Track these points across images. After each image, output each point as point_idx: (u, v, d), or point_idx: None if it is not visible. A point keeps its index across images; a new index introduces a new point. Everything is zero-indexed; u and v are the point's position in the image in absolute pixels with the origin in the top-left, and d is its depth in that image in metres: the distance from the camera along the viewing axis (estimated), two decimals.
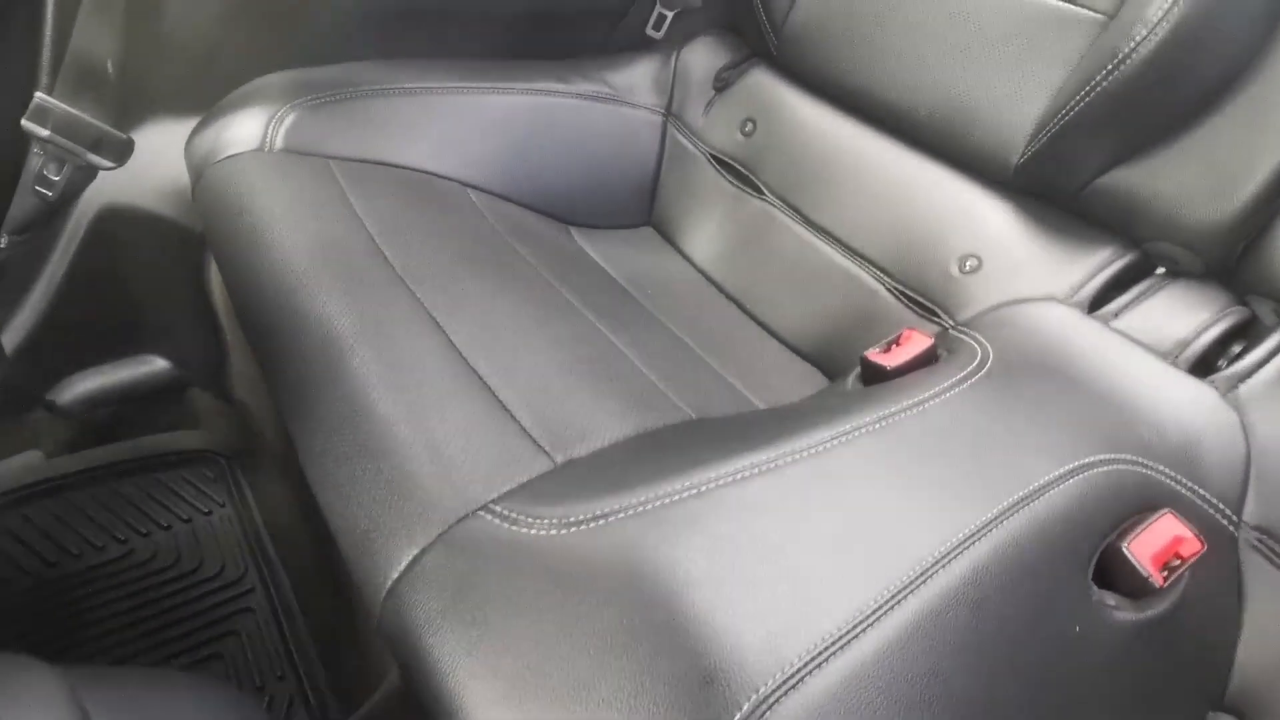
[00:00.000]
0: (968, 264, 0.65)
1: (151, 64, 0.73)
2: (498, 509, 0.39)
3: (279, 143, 0.67)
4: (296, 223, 0.59)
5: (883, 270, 0.70)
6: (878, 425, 0.46)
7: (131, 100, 0.74)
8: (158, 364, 0.87)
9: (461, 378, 0.49)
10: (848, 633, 0.34)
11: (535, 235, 0.75)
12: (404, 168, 0.72)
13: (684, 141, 0.87)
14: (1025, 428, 0.47)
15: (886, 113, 0.74)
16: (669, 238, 0.87)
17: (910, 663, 0.34)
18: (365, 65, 0.77)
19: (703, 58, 0.89)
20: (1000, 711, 0.37)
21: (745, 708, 0.30)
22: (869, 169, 0.74)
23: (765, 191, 0.80)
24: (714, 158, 0.85)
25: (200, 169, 0.67)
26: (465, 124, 0.77)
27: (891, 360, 0.54)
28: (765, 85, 0.84)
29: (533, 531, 0.38)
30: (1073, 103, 0.59)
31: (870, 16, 0.74)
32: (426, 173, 0.74)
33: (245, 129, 0.68)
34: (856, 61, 0.75)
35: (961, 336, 0.58)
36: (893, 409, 0.47)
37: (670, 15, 0.87)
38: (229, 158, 0.66)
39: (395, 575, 0.38)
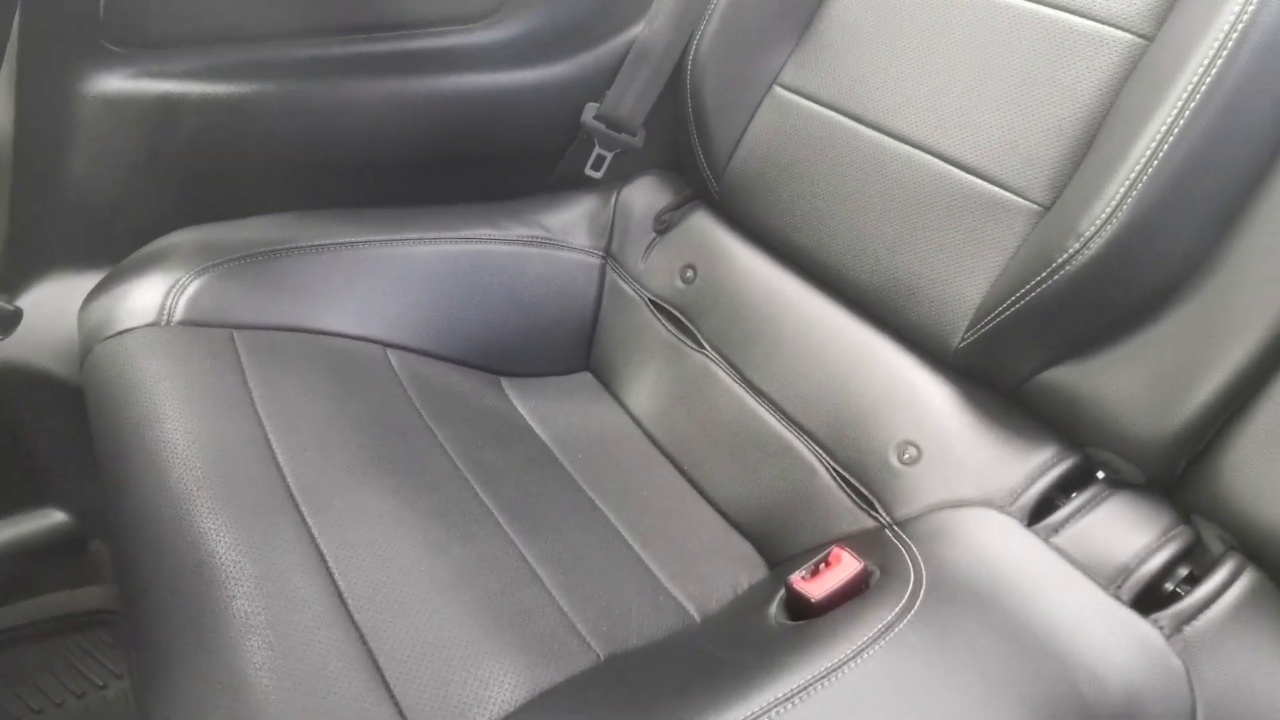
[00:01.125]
0: (906, 453, 0.61)
1: (48, 220, 0.69)
2: None
3: (179, 314, 0.63)
4: (183, 423, 0.54)
5: (822, 446, 0.67)
6: (817, 688, 0.42)
7: (26, 258, 0.70)
8: (57, 516, 0.81)
9: (336, 622, 0.44)
10: None
11: (458, 400, 0.71)
12: (318, 333, 0.68)
13: (623, 285, 0.84)
14: (959, 690, 0.43)
15: (829, 275, 0.71)
16: (607, 385, 0.84)
17: None
18: (282, 218, 0.73)
19: (643, 198, 0.86)
20: None
21: None
22: (811, 333, 0.71)
23: (704, 344, 0.77)
24: (653, 303, 0.82)
25: (89, 343, 0.63)
26: (389, 280, 0.73)
27: (817, 591, 0.50)
28: (707, 230, 0.82)
29: None
30: (1012, 299, 0.56)
31: (809, 177, 0.72)
32: (344, 336, 0.70)
33: (142, 299, 0.64)
34: (798, 218, 0.73)
35: (897, 547, 0.54)
36: (827, 664, 0.44)
37: (609, 156, 0.85)
38: (120, 333, 0.61)
39: None
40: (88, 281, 0.69)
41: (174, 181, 0.72)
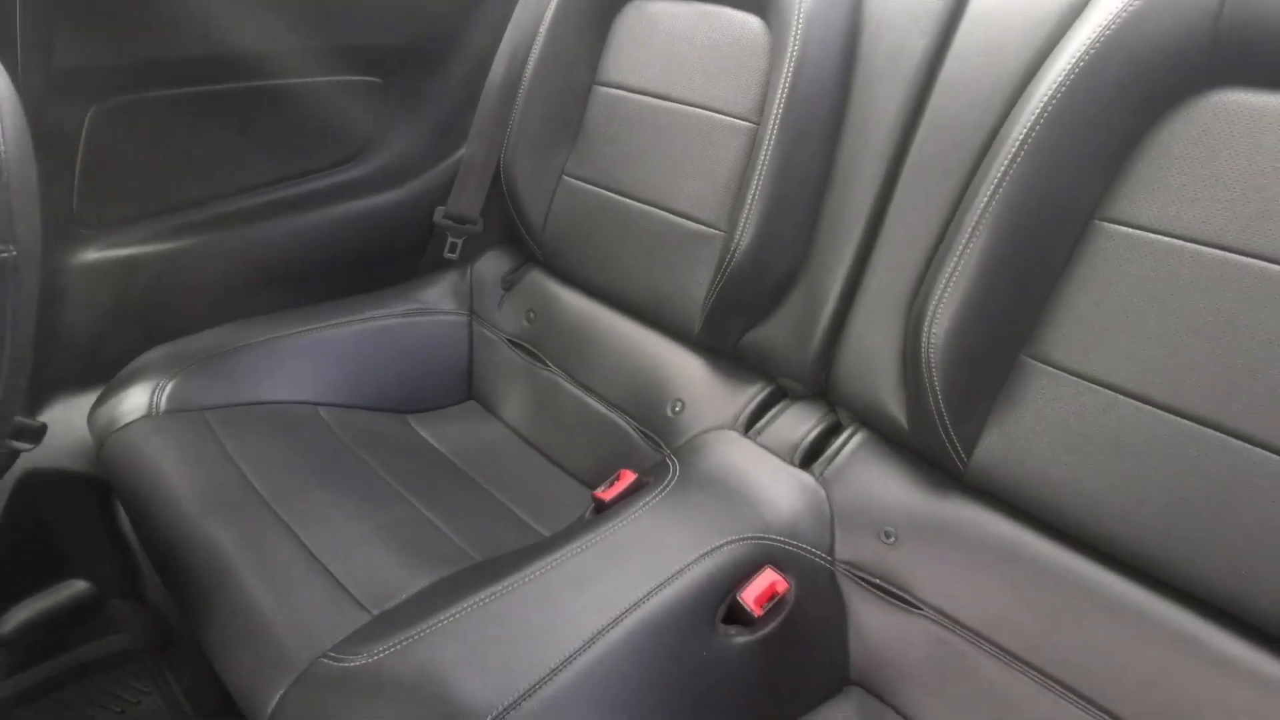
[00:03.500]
0: (676, 406, 0.93)
1: (54, 357, 0.96)
2: (332, 654, 0.62)
3: (163, 406, 0.90)
4: (184, 475, 0.81)
5: (629, 414, 0.97)
6: (594, 544, 0.72)
7: (41, 386, 0.96)
8: (79, 585, 1.05)
9: (310, 566, 0.72)
10: (551, 672, 0.57)
11: (375, 434, 0.99)
12: (265, 403, 0.96)
13: (486, 332, 1.14)
14: (685, 527, 0.73)
15: (619, 299, 1.03)
16: (487, 407, 1.13)
17: (593, 686, 0.58)
18: (228, 328, 1.01)
19: (491, 267, 1.17)
20: (662, 707, 0.61)
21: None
22: (614, 341, 1.02)
23: (549, 364, 1.08)
24: (510, 341, 1.12)
25: (102, 437, 0.89)
26: (311, 357, 1.02)
27: (609, 494, 0.80)
28: (539, 282, 1.13)
29: (354, 662, 0.61)
30: (713, 292, 0.88)
31: (595, 235, 1.04)
32: (284, 403, 0.97)
33: (134, 400, 0.90)
34: (593, 259, 1.04)
35: (667, 461, 0.85)
36: (604, 528, 0.73)
37: (460, 242, 1.15)
38: (125, 426, 0.88)
39: (270, 706, 0.60)
40: (86, 398, 0.95)
41: (141, 315, 0.99)
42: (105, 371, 0.97)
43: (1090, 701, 0.65)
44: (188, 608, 0.74)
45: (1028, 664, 0.68)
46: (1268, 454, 0.58)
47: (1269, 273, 0.58)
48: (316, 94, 1.06)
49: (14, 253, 0.44)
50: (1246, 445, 0.59)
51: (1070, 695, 0.66)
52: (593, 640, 0.61)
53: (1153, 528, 0.63)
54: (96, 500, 0.99)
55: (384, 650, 0.61)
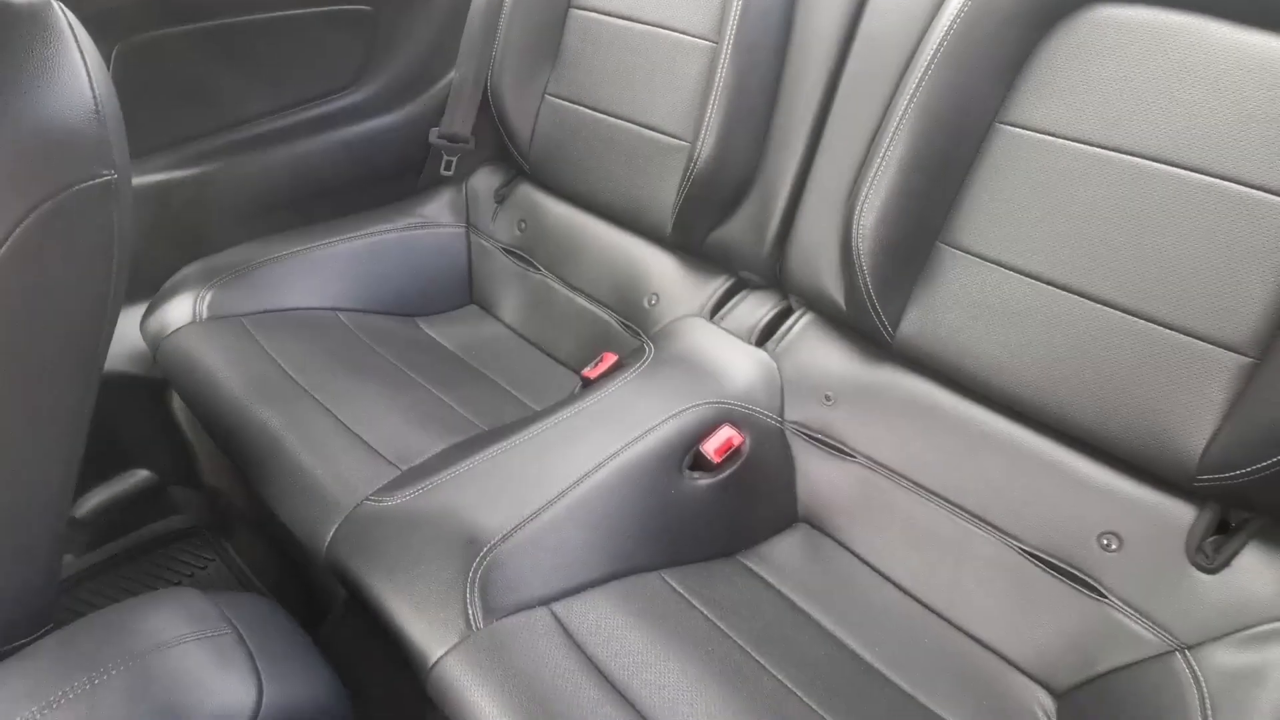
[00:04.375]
0: (652, 299, 1.06)
1: None
2: (372, 498, 0.77)
3: (205, 314, 1.03)
4: (232, 370, 0.95)
5: (612, 309, 1.11)
6: (581, 410, 0.86)
7: None
8: (142, 474, 1.21)
9: (347, 435, 0.86)
10: (547, 503, 0.73)
11: (389, 333, 1.13)
12: (292, 309, 1.09)
13: (483, 242, 1.26)
14: (657, 395, 0.88)
15: (602, 205, 1.15)
16: (486, 308, 1.26)
17: (581, 512, 0.73)
18: (252, 245, 1.13)
19: (484, 183, 1.28)
20: (638, 531, 0.77)
21: (484, 548, 0.69)
22: (595, 244, 1.15)
23: (540, 268, 1.20)
24: (504, 249, 1.24)
25: (156, 341, 1.02)
26: (328, 268, 1.14)
27: (594, 373, 0.95)
28: (528, 195, 1.24)
29: (391, 503, 0.76)
30: (678, 196, 1.00)
31: (577, 149, 1.14)
32: (308, 309, 1.11)
33: (180, 309, 1.03)
34: (576, 171, 1.16)
35: (644, 345, 0.99)
36: (589, 398, 0.88)
37: (455, 159, 1.26)
38: (174, 332, 1.01)
39: (327, 540, 0.75)
40: (134, 309, 1.08)
41: (175, 236, 1.11)
42: (147, 286, 1.09)
43: (983, 520, 0.81)
44: (250, 475, 0.89)
45: (936, 495, 0.84)
46: (1122, 314, 0.72)
47: (1126, 164, 0.71)
48: (311, 24, 1.15)
49: (114, 176, 0.57)
50: (1105, 308, 0.73)
51: (968, 516, 0.82)
52: (580, 480, 0.76)
53: (1033, 378, 0.77)
54: (153, 399, 1.14)
55: (413, 494, 0.77)
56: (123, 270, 0.61)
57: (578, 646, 0.65)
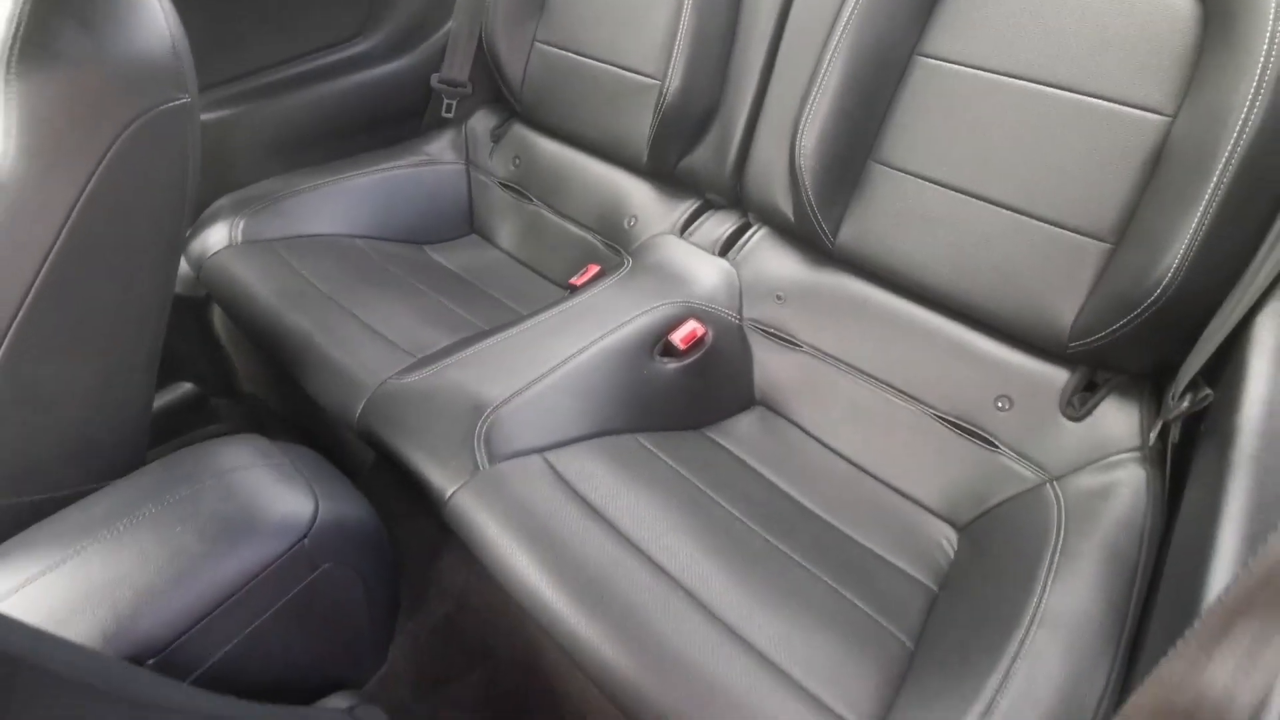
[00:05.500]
0: (631, 221, 1.21)
1: None
2: (393, 378, 0.93)
3: (240, 239, 1.18)
4: (267, 284, 1.10)
5: (595, 231, 1.26)
6: (568, 308, 1.02)
7: None
8: (185, 387, 1.37)
9: (369, 333, 1.02)
10: (539, 376, 0.89)
11: (401, 258, 1.28)
12: (317, 235, 1.24)
13: (482, 178, 1.41)
14: (633, 296, 1.03)
15: (587, 140, 1.29)
16: (485, 237, 1.41)
17: (568, 383, 0.89)
18: (276, 180, 1.28)
19: (481, 123, 1.42)
20: (616, 402, 0.92)
21: (488, 410, 0.85)
22: (581, 175, 1.29)
23: (533, 199, 1.35)
24: (501, 184, 1.39)
25: (198, 264, 1.18)
26: (344, 200, 1.29)
27: (579, 281, 1.10)
28: (521, 133, 1.38)
29: (409, 381, 0.92)
30: (652, 127, 1.14)
31: (565, 90, 1.28)
32: (329, 235, 1.25)
33: (218, 235, 1.18)
34: (563, 111, 1.30)
35: (624, 259, 1.14)
36: (576, 299, 1.03)
37: (454, 102, 1.40)
38: (214, 254, 1.16)
39: (358, 412, 0.91)
40: None
41: (207, 171, 1.25)
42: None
43: (906, 394, 0.97)
44: (287, 369, 1.04)
45: (869, 375, 0.99)
46: (1013, 214, 0.87)
47: (1013, 86, 0.85)
48: None
49: (188, 99, 0.71)
50: (1000, 209, 0.88)
51: (894, 392, 0.97)
52: (566, 360, 0.92)
53: (945, 272, 0.92)
54: (195, 317, 1.30)
55: (427, 374, 0.92)
56: (196, 178, 0.76)
57: (565, 482, 0.81)
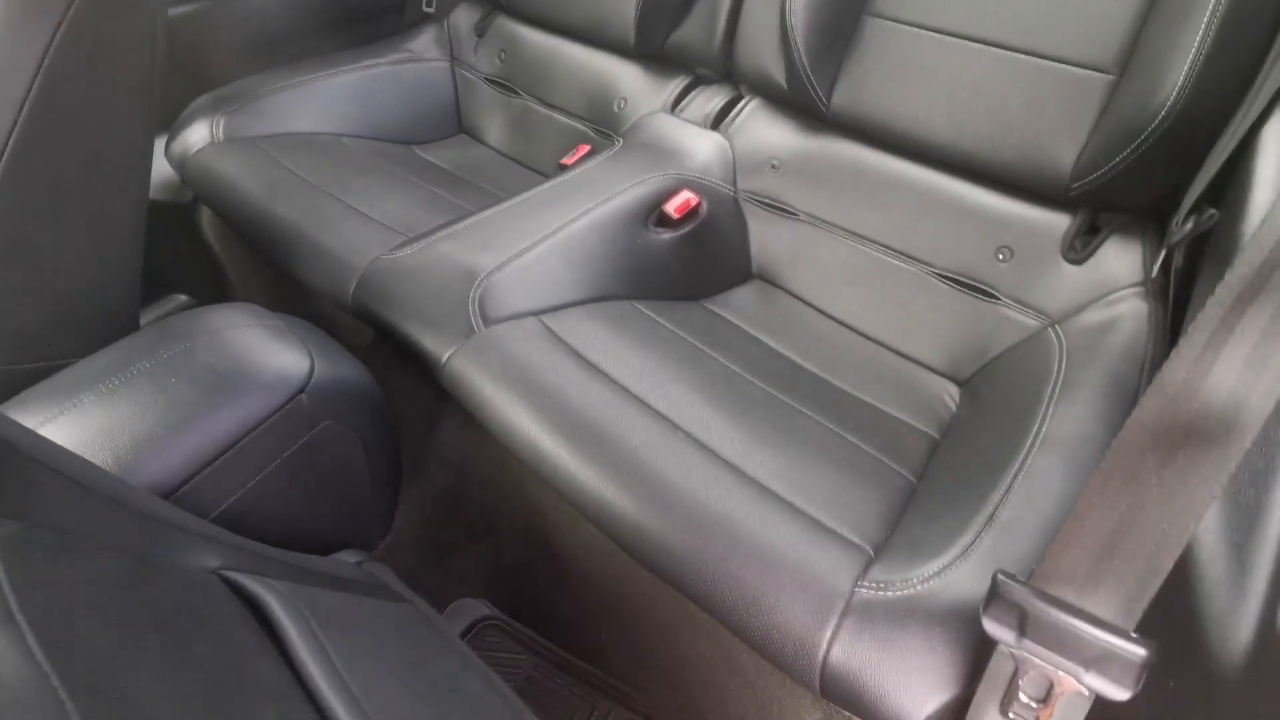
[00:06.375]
0: (620, 104, 1.18)
1: None
2: (385, 255, 0.92)
3: (221, 136, 1.16)
4: (253, 178, 1.08)
5: (585, 118, 1.23)
6: (559, 182, 1.00)
7: None
8: (179, 298, 1.36)
9: (358, 216, 1.00)
10: (533, 243, 0.87)
11: (390, 155, 1.26)
12: (299, 133, 1.21)
13: (467, 74, 1.37)
14: (625, 169, 1.01)
15: (573, 28, 1.25)
16: (474, 136, 1.38)
17: (561, 249, 0.88)
18: (257, 77, 1.24)
19: (464, 18, 1.38)
20: (608, 271, 0.91)
21: (481, 276, 0.84)
22: (568, 63, 1.26)
23: (520, 91, 1.32)
24: (487, 79, 1.35)
25: (181, 162, 1.15)
26: (325, 98, 1.26)
27: (570, 160, 1.08)
28: (507, 27, 1.34)
29: (400, 255, 0.91)
30: (637, 2, 1.11)
31: None
32: (313, 133, 1.23)
33: (198, 133, 1.16)
34: (545, 1, 1.26)
35: (617, 139, 1.12)
36: (570, 174, 1.01)
37: None
38: (197, 152, 1.14)
39: (351, 290, 0.90)
40: (158, 142, 1.21)
41: (184, 70, 1.22)
42: (166, 116, 1.21)
43: (904, 254, 0.95)
44: (277, 259, 1.03)
45: (866, 238, 0.98)
46: (1011, 53, 0.84)
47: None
48: None
49: (160, 20, 0.69)
50: (998, 49, 0.85)
51: (893, 253, 0.96)
52: (559, 228, 0.90)
53: (942, 125, 0.90)
54: (183, 223, 1.28)
55: (419, 247, 0.91)
56: (162, 55, 0.74)
57: (561, 341, 0.81)
